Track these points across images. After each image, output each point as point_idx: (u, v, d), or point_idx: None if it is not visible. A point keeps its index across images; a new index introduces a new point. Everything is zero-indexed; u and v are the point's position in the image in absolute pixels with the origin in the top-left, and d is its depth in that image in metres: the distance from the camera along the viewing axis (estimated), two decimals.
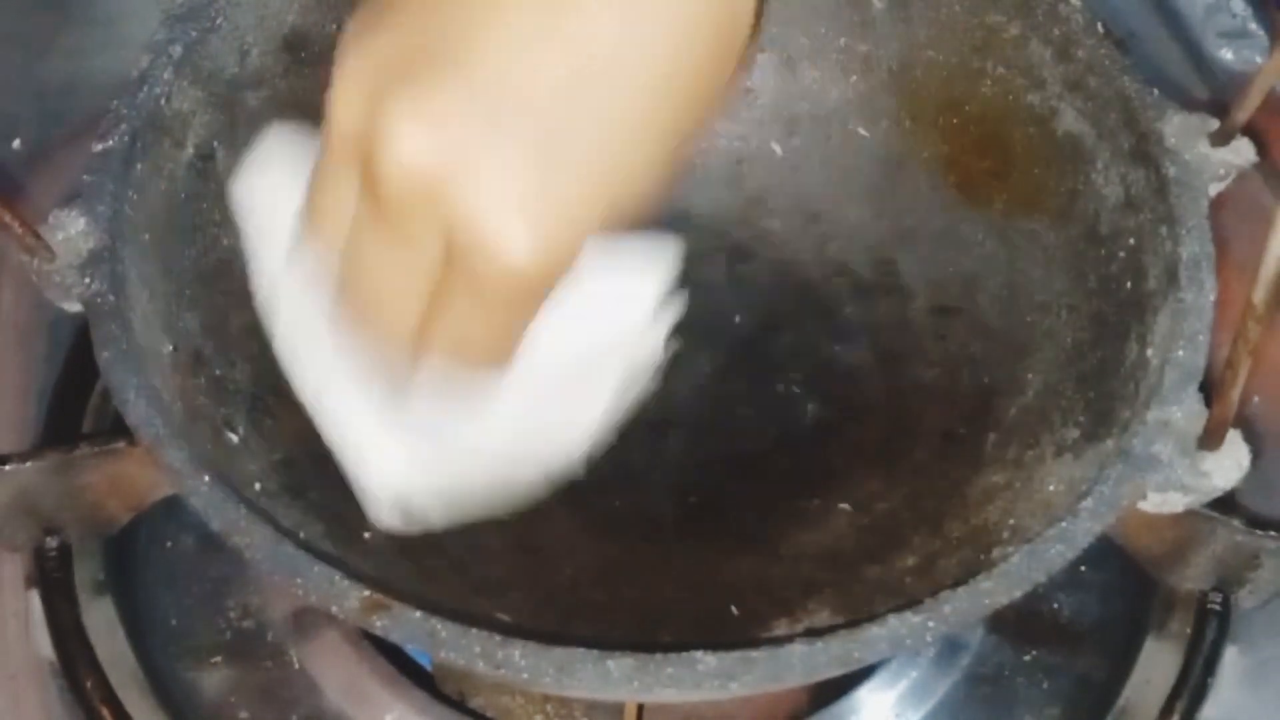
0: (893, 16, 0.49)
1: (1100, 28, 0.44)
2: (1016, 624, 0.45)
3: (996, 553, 0.37)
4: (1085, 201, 0.44)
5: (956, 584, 0.34)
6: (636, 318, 0.35)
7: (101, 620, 0.44)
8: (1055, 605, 0.46)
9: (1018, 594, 0.34)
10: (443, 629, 0.33)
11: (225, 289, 0.44)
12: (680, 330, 0.49)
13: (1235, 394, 0.34)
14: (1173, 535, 0.39)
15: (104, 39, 0.58)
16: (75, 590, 0.43)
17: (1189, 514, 0.37)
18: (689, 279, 0.50)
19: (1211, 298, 0.39)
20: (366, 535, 0.41)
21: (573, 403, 0.34)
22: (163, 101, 0.42)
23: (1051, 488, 0.39)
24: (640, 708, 0.43)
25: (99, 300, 0.38)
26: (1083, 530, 0.35)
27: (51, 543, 0.43)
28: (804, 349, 0.48)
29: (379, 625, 0.33)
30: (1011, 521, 0.39)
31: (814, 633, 0.33)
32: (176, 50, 0.42)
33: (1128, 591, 0.46)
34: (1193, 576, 0.41)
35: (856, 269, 0.50)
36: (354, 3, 0.47)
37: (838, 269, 0.50)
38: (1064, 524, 0.35)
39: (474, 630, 0.32)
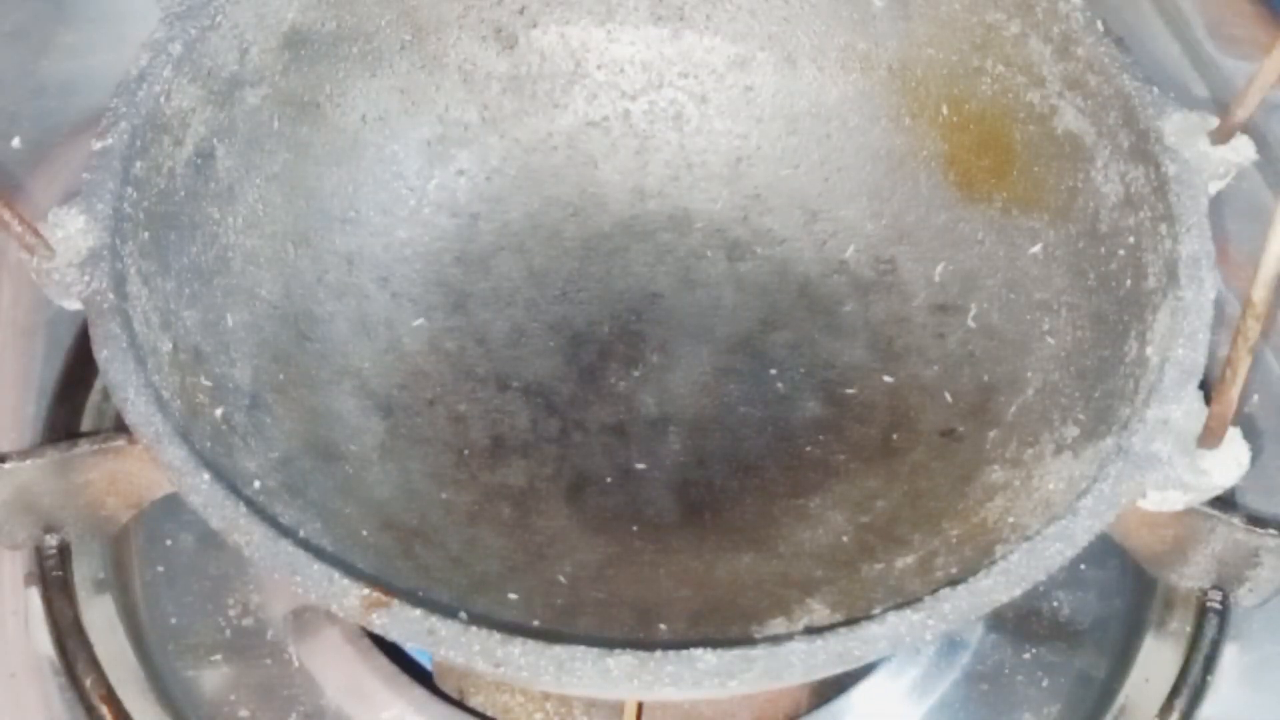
0: (892, 14, 0.49)
1: (1100, 26, 0.44)
2: (1016, 622, 0.45)
3: (996, 551, 0.37)
4: (1085, 199, 0.44)
5: (956, 582, 0.34)
6: None
7: (101, 618, 0.44)
8: (1055, 603, 0.46)
9: (1017, 592, 0.34)
10: (442, 627, 0.33)
11: (225, 287, 0.44)
12: (680, 329, 0.49)
13: (1235, 392, 0.34)
14: (1172, 533, 0.39)
15: (103, 37, 0.58)
16: (75, 588, 0.43)
17: (1189, 512, 0.37)
18: (689, 277, 0.50)
19: (1211, 296, 0.39)
20: (365, 533, 0.41)
21: None
22: (162, 99, 0.42)
23: (1051, 486, 0.39)
24: (640, 706, 0.43)
25: (98, 298, 0.38)
26: (1082, 528, 0.35)
27: (51, 541, 0.43)
28: (803, 347, 0.48)
29: (378, 623, 0.33)
30: (1011, 520, 0.39)
31: (813, 631, 0.33)
32: (176, 48, 0.43)
33: (1127, 589, 0.46)
34: (1192, 574, 0.41)
35: (856, 267, 0.50)
36: (351, 2, 0.48)
37: (837, 267, 0.50)
38: (1063, 522, 0.35)
39: (473, 628, 0.32)
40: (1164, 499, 0.36)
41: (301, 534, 0.37)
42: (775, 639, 0.33)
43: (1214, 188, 0.41)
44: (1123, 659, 0.44)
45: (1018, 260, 0.46)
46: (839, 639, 0.33)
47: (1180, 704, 0.42)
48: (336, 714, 0.43)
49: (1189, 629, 0.44)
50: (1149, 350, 0.39)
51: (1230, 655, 0.43)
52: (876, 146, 0.50)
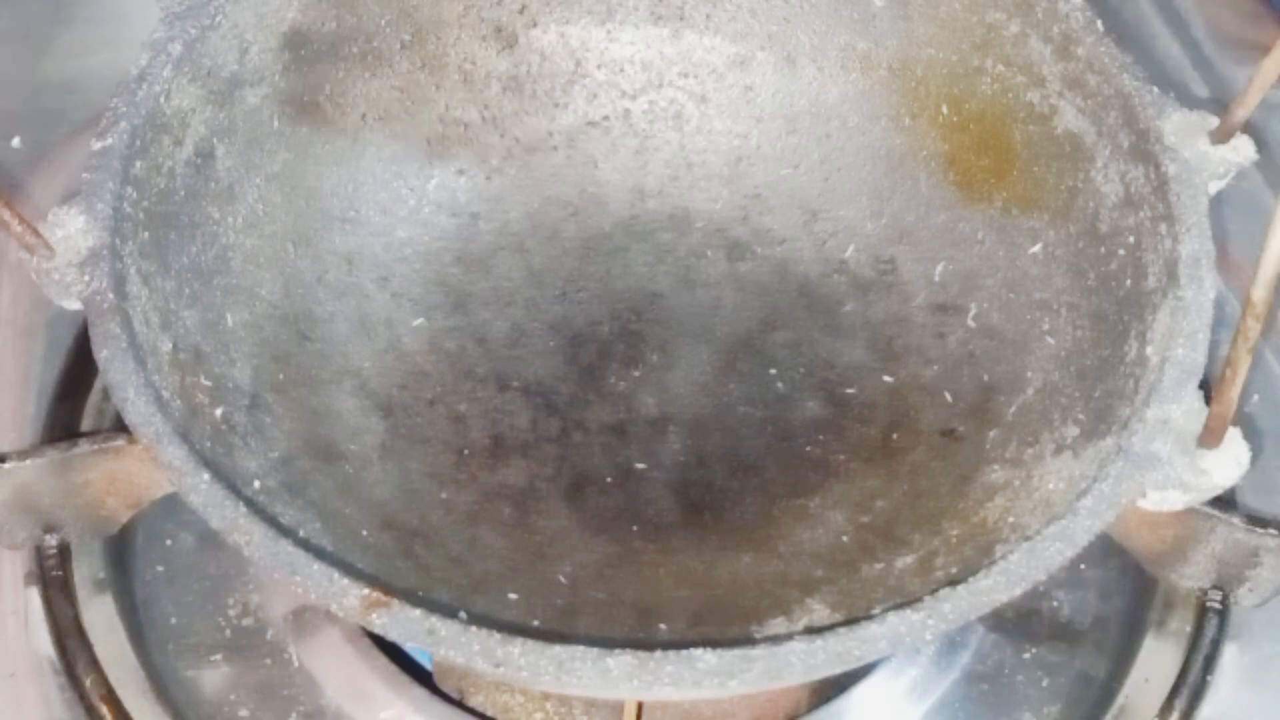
0: (892, 14, 0.49)
1: (1100, 25, 0.44)
2: (1016, 622, 0.45)
3: (996, 551, 0.37)
4: (1085, 199, 0.44)
5: (955, 582, 0.34)
6: None
7: (101, 618, 0.44)
8: (1055, 603, 0.46)
9: (1017, 592, 0.34)
10: (442, 627, 0.33)
11: (224, 286, 0.44)
12: (680, 329, 0.49)
13: (1235, 392, 0.34)
14: (1172, 533, 0.39)
15: (103, 37, 0.58)
16: (75, 588, 0.43)
17: (1188, 512, 0.37)
18: (689, 277, 0.50)
19: (1211, 295, 0.39)
20: (365, 533, 0.41)
21: None
22: (162, 99, 0.42)
23: (1051, 485, 0.39)
24: (640, 706, 0.43)
25: (98, 298, 0.38)
26: (1082, 528, 0.35)
27: (51, 540, 0.43)
28: (803, 346, 0.48)
29: (378, 623, 0.33)
30: (1011, 519, 0.39)
31: (813, 631, 0.33)
32: (176, 48, 0.43)
33: (1127, 589, 0.46)
34: (1192, 574, 0.41)
35: (856, 266, 0.50)
36: (351, 1, 0.48)
37: (837, 266, 0.50)
38: (1063, 522, 0.35)
39: (473, 628, 0.32)
40: (1164, 499, 0.36)
41: (301, 534, 0.37)
42: (775, 639, 0.33)
43: (1214, 188, 0.41)
44: (1123, 659, 0.44)
45: (1018, 260, 0.46)
46: (839, 639, 0.33)
47: (1180, 704, 0.42)
48: (336, 714, 0.43)
49: (1189, 629, 0.44)
50: (1149, 350, 0.39)
51: (1230, 655, 0.43)
52: (876, 146, 0.50)
